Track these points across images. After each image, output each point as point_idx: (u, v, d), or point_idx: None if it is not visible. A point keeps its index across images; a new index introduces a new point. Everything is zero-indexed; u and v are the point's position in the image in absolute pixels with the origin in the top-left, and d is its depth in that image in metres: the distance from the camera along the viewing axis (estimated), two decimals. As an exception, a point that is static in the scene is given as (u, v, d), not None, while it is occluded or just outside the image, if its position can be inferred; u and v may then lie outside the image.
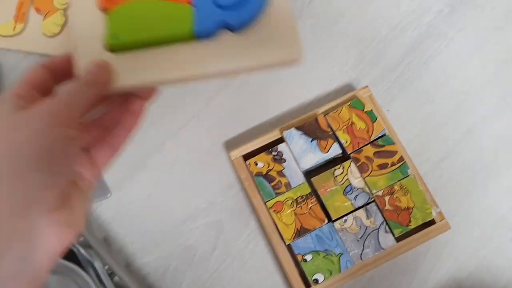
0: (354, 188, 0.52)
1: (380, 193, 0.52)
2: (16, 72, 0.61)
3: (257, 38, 0.42)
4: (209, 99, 0.60)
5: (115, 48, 0.39)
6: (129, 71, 0.38)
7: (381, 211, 0.52)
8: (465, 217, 0.57)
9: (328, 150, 0.53)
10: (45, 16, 0.61)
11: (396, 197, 0.52)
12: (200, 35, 0.41)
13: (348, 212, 0.52)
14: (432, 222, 0.53)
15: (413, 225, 0.52)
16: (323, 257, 0.51)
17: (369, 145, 0.53)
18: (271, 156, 0.54)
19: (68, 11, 0.51)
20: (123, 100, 0.39)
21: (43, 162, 0.31)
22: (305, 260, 0.51)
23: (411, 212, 0.52)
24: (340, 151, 0.53)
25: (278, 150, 0.54)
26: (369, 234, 0.51)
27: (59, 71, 0.38)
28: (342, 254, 0.51)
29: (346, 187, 0.52)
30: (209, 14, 0.42)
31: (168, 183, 0.58)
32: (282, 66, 0.43)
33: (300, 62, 0.40)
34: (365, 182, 0.52)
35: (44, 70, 0.37)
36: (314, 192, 0.53)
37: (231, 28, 0.42)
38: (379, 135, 0.53)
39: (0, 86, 0.60)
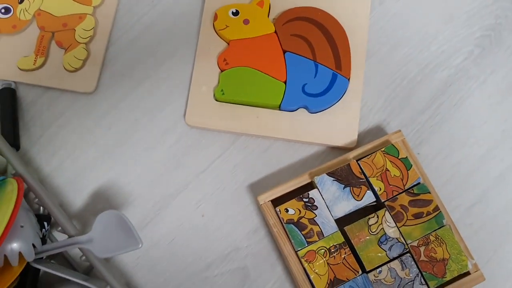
0: (389, 238, 0.51)
1: (415, 243, 0.51)
2: (36, 107, 0.58)
3: (325, 122, 0.57)
4: (234, 139, 0.58)
5: (219, 99, 0.57)
6: (222, 118, 0.57)
7: (416, 262, 0.50)
8: (498, 267, 0.55)
9: (362, 198, 0.51)
10: (66, 50, 0.59)
11: (432, 247, 0.50)
12: (283, 109, 0.57)
13: (382, 263, 0.50)
14: (466, 273, 0.51)
15: (448, 277, 0.50)
16: (358, 310, 0.49)
17: (404, 193, 0.52)
18: (302, 203, 0.52)
19: (194, 66, 0.59)
20: None
21: None
22: (338, 314, 0.49)
23: (447, 263, 0.50)
24: (374, 199, 0.52)
25: (310, 196, 0.52)
26: (404, 286, 0.50)
27: None
28: (377, 307, 0.49)
29: (380, 237, 0.51)
30: (296, 96, 0.57)
31: (192, 227, 0.56)
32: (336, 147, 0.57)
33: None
34: (400, 232, 0.51)
35: None
36: (348, 241, 0.51)
37: (308, 109, 0.57)
38: (414, 183, 0.52)
39: (19, 121, 0.58)
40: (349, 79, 0.58)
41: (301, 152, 0.58)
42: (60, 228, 0.51)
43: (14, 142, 0.55)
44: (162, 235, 0.56)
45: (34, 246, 0.46)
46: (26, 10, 0.60)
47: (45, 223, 0.52)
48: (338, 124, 0.56)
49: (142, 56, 0.60)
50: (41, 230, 0.51)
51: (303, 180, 0.54)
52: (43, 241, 0.51)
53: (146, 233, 0.55)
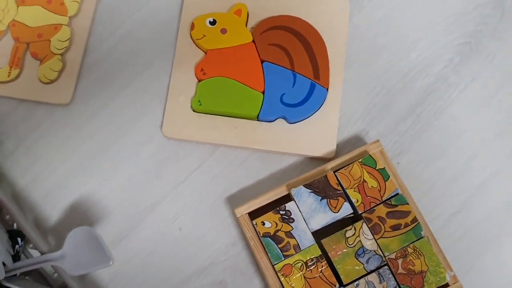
0: (366, 250, 0.50)
1: (393, 255, 0.50)
2: (11, 120, 0.58)
3: (304, 132, 0.56)
4: (212, 150, 0.57)
5: (197, 110, 0.56)
6: (200, 129, 0.56)
7: (394, 275, 0.50)
8: (478, 276, 0.55)
9: (339, 210, 0.51)
10: (41, 61, 0.59)
11: (410, 260, 0.50)
12: (261, 119, 0.56)
13: (360, 276, 0.50)
14: (446, 285, 0.51)
15: (426, 290, 0.49)
16: (335, 325, 0.48)
17: (381, 204, 0.51)
18: (279, 216, 0.51)
19: (171, 76, 0.58)
20: None
21: None
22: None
23: (425, 276, 0.50)
24: (351, 211, 0.51)
25: (287, 209, 0.51)
26: (382, 299, 0.49)
27: None
28: (354, 322, 0.48)
29: (358, 250, 0.50)
30: (274, 106, 0.56)
31: (170, 240, 0.55)
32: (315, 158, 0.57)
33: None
34: (378, 244, 0.50)
35: None
36: (325, 254, 0.50)
37: (287, 120, 0.56)
38: (392, 194, 0.51)
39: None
40: (327, 89, 0.57)
41: (280, 163, 0.57)
42: (31, 245, 0.50)
43: (-13, 156, 0.54)
44: (140, 248, 0.55)
45: (4, 264, 0.46)
46: (0, 21, 0.59)
47: (19, 239, 0.51)
48: (317, 135, 0.55)
49: (119, 66, 0.60)
50: (14, 247, 0.50)
51: (281, 192, 0.53)
52: (17, 257, 0.50)
53: (123, 247, 0.55)
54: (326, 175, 0.52)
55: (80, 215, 0.56)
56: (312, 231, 0.51)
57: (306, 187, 0.52)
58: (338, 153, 0.57)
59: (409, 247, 0.50)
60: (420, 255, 0.50)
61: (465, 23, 0.61)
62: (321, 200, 0.51)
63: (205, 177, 0.57)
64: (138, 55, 0.60)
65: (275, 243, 0.51)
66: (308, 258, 0.50)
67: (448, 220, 0.56)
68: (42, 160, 0.57)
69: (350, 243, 0.50)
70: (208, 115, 0.57)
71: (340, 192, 0.51)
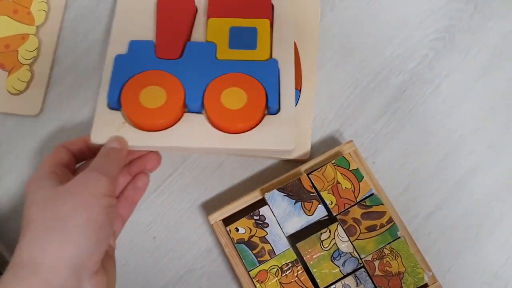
0: (342, 253, 0.49)
1: (369, 257, 0.49)
2: (-21, 133, 0.57)
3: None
4: (185, 157, 0.56)
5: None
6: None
7: (371, 278, 0.49)
8: (458, 275, 0.54)
9: (313, 213, 0.50)
10: (9, 72, 0.58)
11: (386, 261, 0.49)
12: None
13: (336, 279, 0.49)
14: (424, 285, 0.50)
15: (405, 291, 0.48)
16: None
17: (356, 206, 0.50)
18: (253, 221, 0.50)
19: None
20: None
21: (90, 231, 0.37)
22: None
23: (402, 277, 0.49)
24: (326, 213, 0.50)
25: (260, 214, 0.50)
26: (359, 302, 0.48)
27: (77, 151, 0.47)
28: (332, 326, 0.47)
29: (333, 252, 0.49)
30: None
31: (144, 249, 0.54)
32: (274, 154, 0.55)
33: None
34: (354, 246, 0.49)
35: (66, 150, 0.45)
36: (300, 259, 0.49)
37: None
38: (366, 195, 0.51)
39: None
40: (300, 90, 0.56)
41: (254, 167, 0.56)
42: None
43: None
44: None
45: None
46: (-34, 33, 0.58)
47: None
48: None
49: (88, 75, 0.59)
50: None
51: (255, 196, 0.52)
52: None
53: (96, 259, 0.53)
54: (299, 177, 0.51)
55: (52, 228, 0.54)
56: (287, 235, 0.50)
57: (280, 191, 0.51)
58: (312, 155, 0.56)
59: (386, 248, 0.50)
60: (397, 256, 0.49)
61: (438, 18, 0.61)
62: (295, 203, 0.50)
63: (178, 185, 0.56)
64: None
65: (250, 249, 0.50)
66: (284, 263, 0.49)
67: (426, 219, 0.55)
68: (13, 173, 0.56)
69: (326, 246, 0.50)
70: None
71: (314, 194, 0.51)
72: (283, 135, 0.49)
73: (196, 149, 0.52)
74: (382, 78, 0.59)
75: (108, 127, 0.48)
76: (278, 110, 0.50)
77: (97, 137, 0.48)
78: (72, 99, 0.58)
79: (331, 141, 0.57)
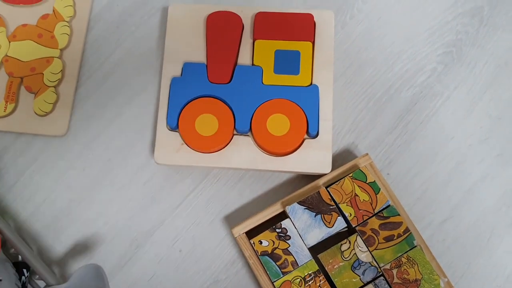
0: (362, 262, 0.52)
1: (388, 266, 0.52)
2: (9, 154, 0.59)
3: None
4: (207, 172, 0.59)
5: None
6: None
7: (389, 285, 0.51)
8: (471, 280, 0.56)
9: (333, 225, 0.53)
10: (36, 94, 0.60)
11: (404, 269, 0.51)
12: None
13: (357, 288, 0.51)
14: (440, 291, 0.52)
15: (422, 297, 0.51)
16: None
17: (374, 217, 0.53)
18: (275, 234, 0.53)
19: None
20: None
21: None
22: None
23: (419, 284, 0.51)
24: (345, 225, 0.53)
25: (282, 227, 0.53)
26: (380, 309, 0.51)
27: None
28: (354, 333, 0.50)
29: (353, 262, 0.52)
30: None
31: (170, 262, 0.57)
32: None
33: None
34: (372, 256, 0.52)
35: None
36: (322, 269, 0.52)
37: None
38: (383, 207, 0.53)
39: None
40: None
41: (273, 181, 0.59)
42: (37, 276, 0.52)
43: (-11, 192, 0.56)
44: (142, 272, 0.56)
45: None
46: (-7, 57, 0.61)
47: (24, 270, 0.53)
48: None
49: (112, 95, 0.61)
50: (20, 279, 0.51)
51: (276, 209, 0.55)
52: (24, 289, 0.51)
53: (125, 273, 0.56)
54: (319, 191, 0.54)
55: (81, 244, 0.57)
56: (308, 247, 0.52)
57: (300, 204, 0.53)
58: (329, 167, 0.58)
59: (403, 257, 0.52)
60: (414, 264, 0.52)
61: (445, 32, 0.63)
62: (315, 216, 0.53)
63: (201, 199, 0.58)
64: (129, 83, 0.61)
65: (273, 261, 0.52)
66: (306, 274, 0.52)
67: (439, 227, 0.58)
68: (42, 191, 0.58)
69: (346, 256, 0.52)
70: None
71: (333, 207, 0.53)
72: (321, 159, 0.55)
73: (244, 169, 0.57)
74: (394, 92, 0.62)
75: (168, 148, 0.56)
76: (317, 135, 0.54)
77: (160, 157, 0.55)
78: (96, 119, 0.60)
79: (346, 154, 0.60)
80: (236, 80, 0.57)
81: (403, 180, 0.59)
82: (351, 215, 0.53)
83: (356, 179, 0.54)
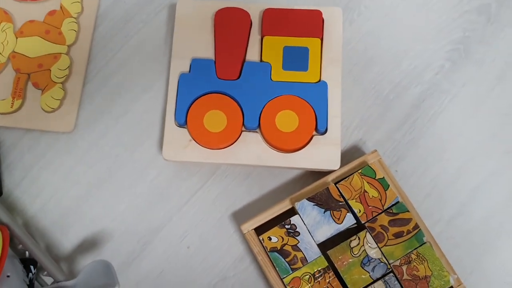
0: (371, 259, 0.52)
1: (397, 262, 0.52)
2: (16, 150, 0.59)
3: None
4: (215, 168, 0.59)
5: None
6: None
7: (399, 282, 0.51)
8: (480, 276, 0.56)
9: (342, 221, 0.52)
10: (43, 91, 0.60)
11: (414, 266, 0.51)
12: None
13: (366, 284, 0.51)
14: (450, 288, 0.52)
15: (431, 294, 0.51)
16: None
17: (383, 213, 0.53)
18: (284, 230, 0.53)
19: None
20: None
21: None
22: None
23: (429, 280, 0.51)
24: (354, 221, 0.53)
25: (292, 223, 0.53)
26: (389, 305, 0.51)
27: None
28: (364, 329, 0.50)
29: (363, 259, 0.52)
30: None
31: (178, 259, 0.57)
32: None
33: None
34: (382, 252, 0.52)
35: None
36: (331, 265, 0.52)
37: None
38: (393, 203, 0.53)
39: (1, 165, 0.58)
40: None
41: (282, 177, 0.59)
42: (45, 272, 0.51)
43: (-3, 188, 0.56)
44: (150, 269, 0.56)
45: (21, 295, 0.47)
46: (1, 53, 0.61)
47: (32, 267, 0.52)
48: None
49: (119, 91, 0.61)
50: (27, 275, 0.51)
51: (285, 206, 0.55)
52: (31, 286, 0.51)
53: (133, 269, 0.56)
54: (328, 187, 0.53)
55: (89, 240, 0.57)
56: (317, 243, 0.52)
57: (309, 200, 0.53)
58: (338, 164, 0.58)
59: (413, 253, 0.52)
60: (424, 260, 0.52)
61: (453, 30, 0.63)
62: (324, 212, 0.53)
63: (209, 196, 0.58)
64: (136, 80, 0.61)
65: (283, 257, 0.52)
66: (316, 270, 0.52)
67: (448, 224, 0.58)
68: (49, 187, 0.58)
69: (355, 252, 0.52)
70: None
71: (343, 203, 0.53)
72: (330, 156, 0.54)
73: (253, 166, 0.57)
74: (401, 89, 0.62)
75: (176, 144, 0.55)
76: (326, 131, 0.54)
77: (168, 154, 0.55)
78: (104, 115, 0.60)
79: (354, 150, 0.60)
80: (244, 76, 0.57)
81: (411, 176, 0.59)
82: (360, 211, 0.53)
83: (365, 175, 0.54)
